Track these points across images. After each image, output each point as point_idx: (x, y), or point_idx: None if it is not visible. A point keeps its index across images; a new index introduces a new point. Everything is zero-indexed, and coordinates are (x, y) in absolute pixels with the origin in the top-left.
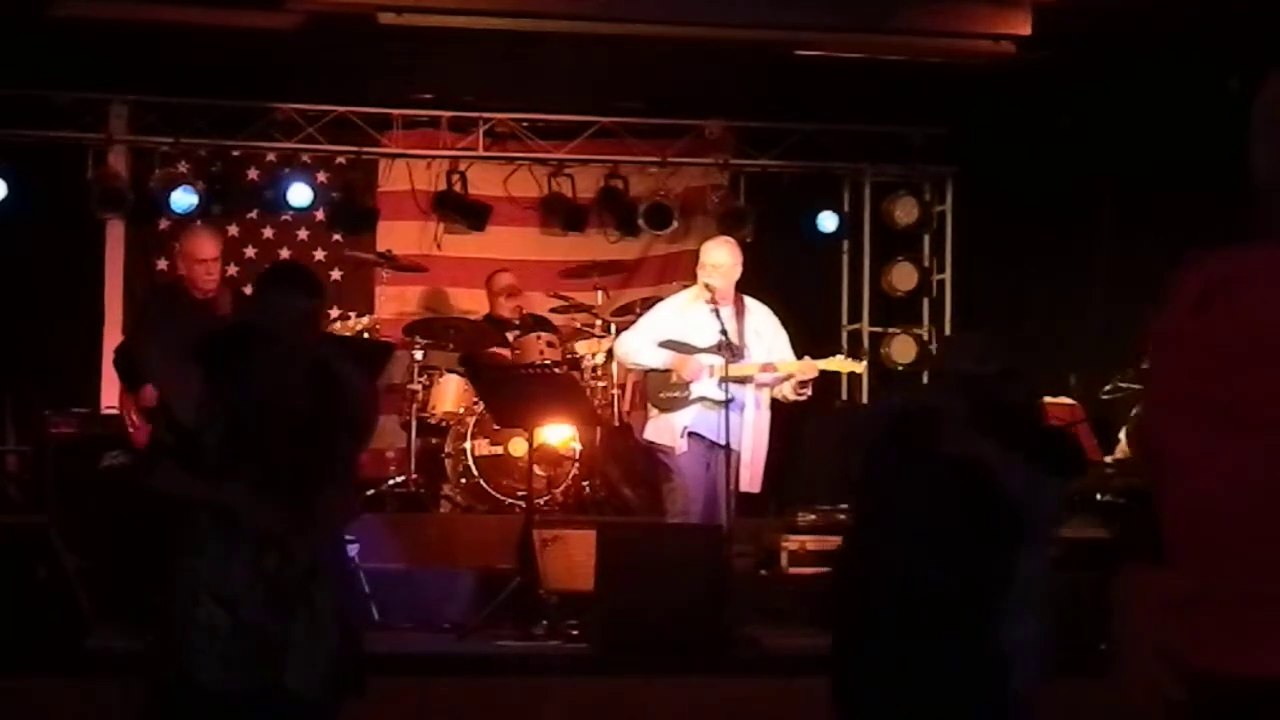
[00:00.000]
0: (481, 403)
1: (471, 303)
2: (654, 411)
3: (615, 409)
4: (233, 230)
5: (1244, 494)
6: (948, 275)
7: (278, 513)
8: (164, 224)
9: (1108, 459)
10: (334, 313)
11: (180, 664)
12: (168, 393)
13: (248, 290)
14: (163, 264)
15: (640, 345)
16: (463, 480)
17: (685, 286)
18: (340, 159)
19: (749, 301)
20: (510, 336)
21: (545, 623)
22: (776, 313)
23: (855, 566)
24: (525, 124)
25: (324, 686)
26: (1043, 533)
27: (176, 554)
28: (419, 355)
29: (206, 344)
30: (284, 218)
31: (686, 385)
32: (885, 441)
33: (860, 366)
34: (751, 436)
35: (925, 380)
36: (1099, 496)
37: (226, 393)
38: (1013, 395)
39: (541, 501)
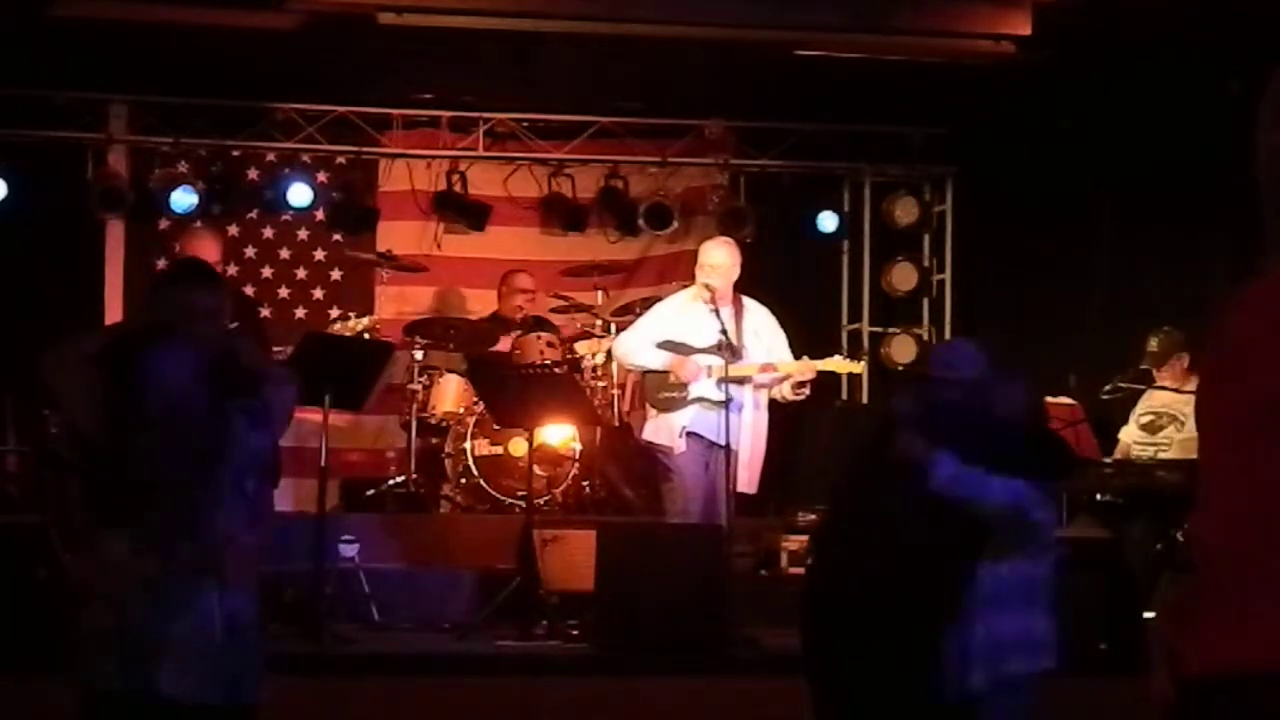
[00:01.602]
0: (481, 403)
1: (472, 303)
2: (652, 412)
3: (615, 409)
4: (233, 230)
5: (1217, 500)
6: (948, 275)
7: (154, 562)
8: (164, 224)
9: (1107, 459)
10: (334, 313)
11: (75, 669)
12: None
13: (249, 290)
14: (163, 264)
15: (639, 346)
16: (463, 480)
17: (685, 287)
18: (340, 159)
19: (748, 302)
20: (511, 336)
21: (545, 623)
22: (776, 313)
23: (816, 567)
24: (525, 124)
25: (204, 691)
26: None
27: (72, 560)
28: (419, 355)
29: (108, 348)
30: (284, 218)
31: (685, 386)
32: (868, 446)
33: (859, 367)
34: (749, 437)
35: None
36: (1099, 496)
37: (108, 400)
38: (997, 400)
39: (541, 501)
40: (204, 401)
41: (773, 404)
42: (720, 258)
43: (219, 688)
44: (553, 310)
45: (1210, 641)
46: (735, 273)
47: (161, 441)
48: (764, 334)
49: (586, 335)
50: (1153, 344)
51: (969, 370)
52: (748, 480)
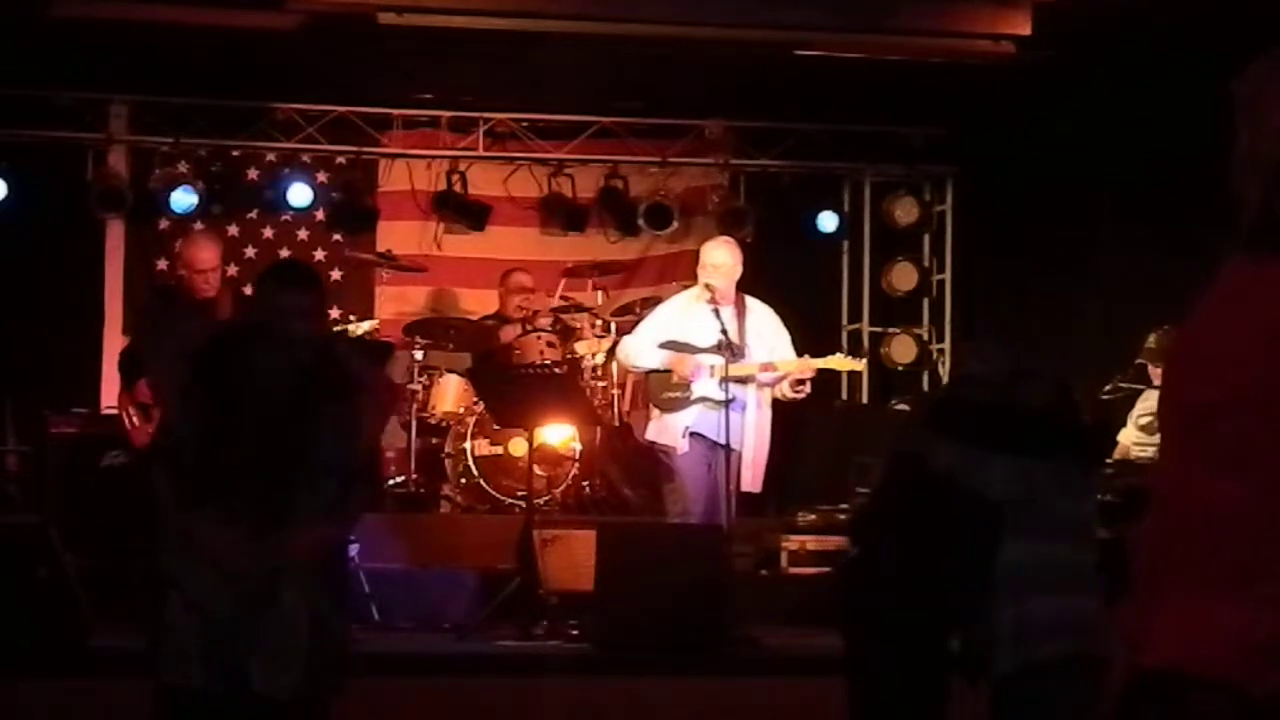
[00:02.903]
0: (481, 403)
1: (472, 303)
2: (656, 412)
3: (615, 409)
4: (233, 230)
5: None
6: (948, 275)
7: (238, 541)
8: (164, 224)
9: (1107, 459)
10: (334, 314)
11: (157, 665)
12: (159, 395)
13: (248, 291)
14: (163, 264)
15: (640, 347)
16: (463, 480)
17: (685, 287)
18: (340, 159)
19: (750, 301)
20: (512, 336)
21: (545, 623)
22: (777, 312)
23: (852, 556)
24: (525, 124)
25: (295, 687)
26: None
27: (158, 555)
28: (419, 355)
29: (204, 347)
30: (284, 218)
31: (688, 385)
32: (903, 436)
33: (859, 365)
34: (753, 436)
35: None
36: (1099, 496)
37: (202, 398)
38: (1028, 396)
39: (541, 501)
40: (290, 401)
41: (775, 403)
42: (722, 258)
43: (307, 683)
44: (553, 310)
45: (1147, 636)
46: (737, 272)
47: (244, 439)
48: (766, 333)
49: (586, 335)
50: (1152, 341)
51: (996, 366)
52: (752, 479)
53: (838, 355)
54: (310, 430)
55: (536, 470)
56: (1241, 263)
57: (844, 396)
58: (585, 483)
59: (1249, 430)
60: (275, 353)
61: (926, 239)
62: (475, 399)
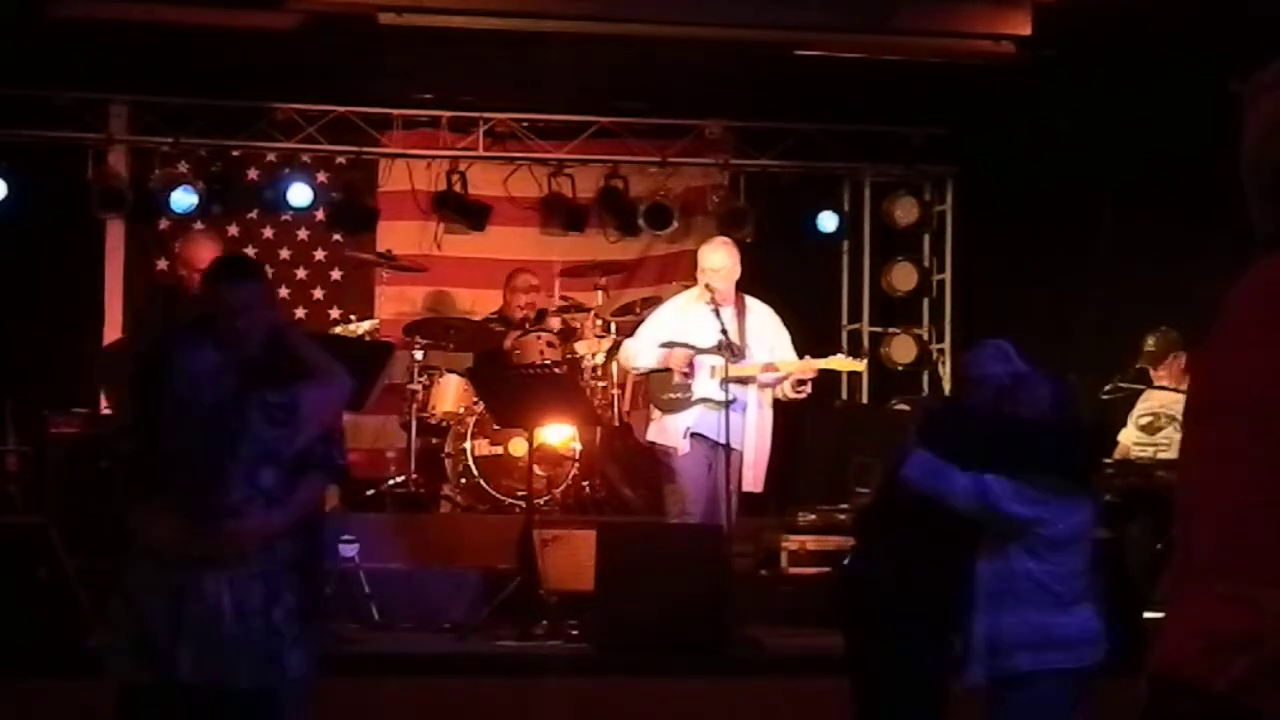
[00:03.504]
0: (481, 403)
1: (472, 303)
2: (656, 413)
3: (615, 409)
4: (233, 230)
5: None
6: (948, 275)
7: (171, 533)
8: (164, 224)
9: (1107, 459)
10: (335, 314)
11: (102, 662)
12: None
13: None
14: (163, 264)
15: (639, 348)
16: (463, 480)
17: (685, 287)
18: (340, 159)
19: (750, 301)
20: (513, 336)
21: (545, 623)
22: (777, 312)
23: (851, 555)
24: (525, 124)
25: (226, 677)
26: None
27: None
28: (419, 355)
29: (153, 346)
30: (284, 218)
31: (689, 386)
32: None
33: (859, 365)
34: (754, 436)
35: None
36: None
37: (141, 394)
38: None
39: (541, 501)
40: (225, 394)
41: (775, 403)
42: (719, 260)
43: (242, 671)
44: (554, 310)
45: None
46: (736, 272)
47: (179, 432)
48: (767, 334)
49: (586, 335)
50: (1150, 343)
51: (998, 370)
52: (753, 479)
53: (838, 355)
54: (243, 420)
55: (536, 470)
56: (1261, 261)
57: (844, 396)
58: (585, 483)
59: (1231, 429)
60: (219, 348)
61: (926, 239)
62: (475, 399)
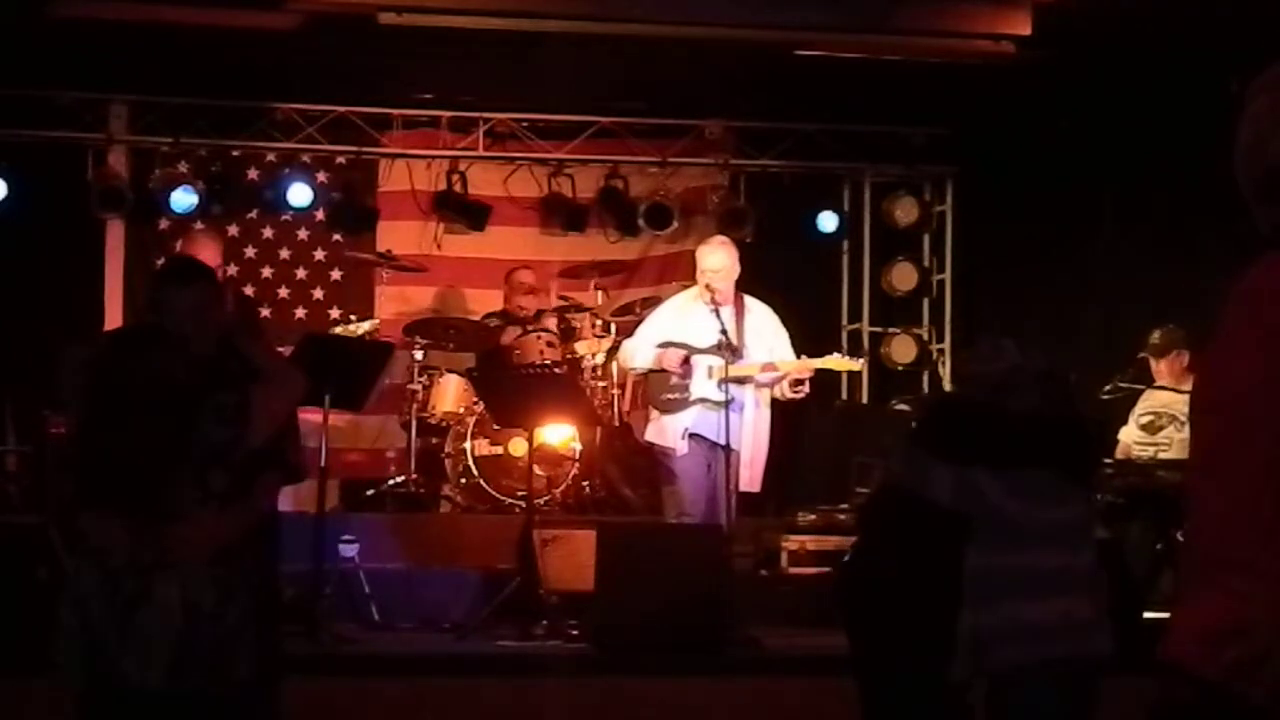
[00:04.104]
0: (481, 403)
1: (472, 303)
2: (654, 414)
3: (615, 409)
4: (233, 230)
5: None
6: (948, 275)
7: (120, 536)
8: (164, 224)
9: (1107, 459)
10: (335, 313)
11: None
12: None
13: (249, 290)
14: (162, 264)
15: (638, 349)
16: (463, 480)
17: (685, 287)
18: (340, 159)
19: (750, 301)
20: (514, 335)
21: (545, 623)
22: (776, 313)
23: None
24: (525, 124)
25: (172, 680)
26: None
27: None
28: (419, 355)
29: (106, 351)
30: (284, 218)
31: (687, 387)
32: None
33: (856, 365)
34: (752, 436)
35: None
36: (1099, 497)
37: (91, 400)
38: (1024, 395)
39: (541, 501)
40: (173, 396)
41: (774, 404)
42: (718, 261)
43: (195, 676)
44: (554, 310)
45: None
46: (735, 272)
47: (125, 436)
48: (766, 334)
49: (586, 335)
50: (1155, 336)
51: (997, 366)
52: (750, 479)
53: (837, 355)
54: (190, 422)
55: (536, 470)
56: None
57: (844, 396)
58: (585, 483)
59: (1223, 429)
60: (168, 351)
61: (926, 239)
62: (475, 399)
